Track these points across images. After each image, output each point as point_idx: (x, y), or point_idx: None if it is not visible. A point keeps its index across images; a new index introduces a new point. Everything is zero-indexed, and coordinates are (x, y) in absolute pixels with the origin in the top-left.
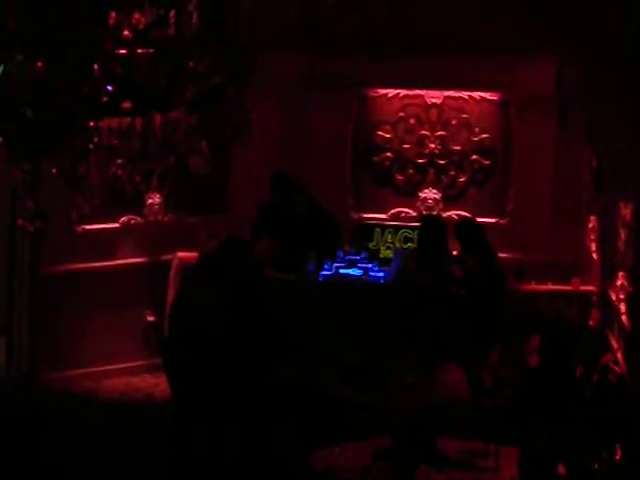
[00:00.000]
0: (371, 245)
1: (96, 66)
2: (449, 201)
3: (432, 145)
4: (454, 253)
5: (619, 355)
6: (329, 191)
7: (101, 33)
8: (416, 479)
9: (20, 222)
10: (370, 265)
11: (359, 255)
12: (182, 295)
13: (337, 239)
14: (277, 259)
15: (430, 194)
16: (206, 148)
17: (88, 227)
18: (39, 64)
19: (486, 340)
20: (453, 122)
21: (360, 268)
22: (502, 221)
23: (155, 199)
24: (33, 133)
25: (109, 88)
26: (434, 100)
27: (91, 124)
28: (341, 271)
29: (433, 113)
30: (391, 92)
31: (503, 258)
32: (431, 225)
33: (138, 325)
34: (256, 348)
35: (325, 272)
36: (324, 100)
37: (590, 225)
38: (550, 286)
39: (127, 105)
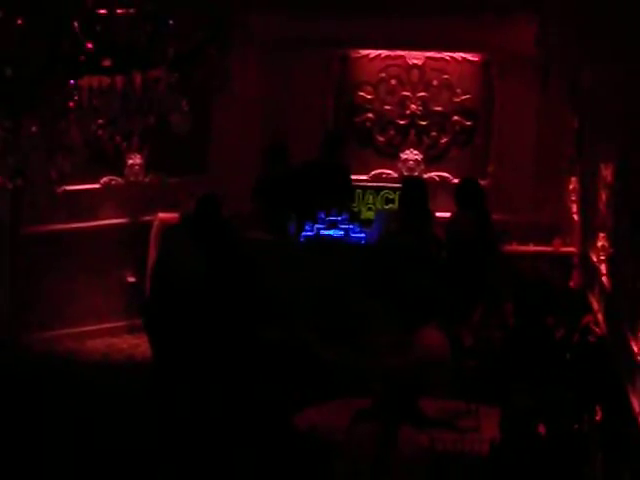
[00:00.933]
0: (352, 206)
1: (76, 24)
2: (430, 162)
3: (413, 106)
4: (447, 214)
5: (599, 316)
6: (310, 151)
7: None
8: (398, 439)
9: (0, 180)
10: (351, 226)
11: (340, 216)
12: (162, 255)
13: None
14: (259, 221)
15: (411, 155)
16: (187, 107)
17: (69, 187)
18: (18, 20)
19: (468, 301)
20: (434, 83)
21: (341, 229)
22: (483, 182)
23: (136, 160)
24: (12, 90)
25: (89, 46)
26: (415, 61)
27: (71, 82)
28: (322, 232)
29: (414, 74)
30: (372, 53)
31: None
32: (412, 186)
33: (119, 286)
34: (237, 308)
35: (306, 233)
36: (305, 60)
37: (571, 186)
38: (531, 247)
39: (107, 63)
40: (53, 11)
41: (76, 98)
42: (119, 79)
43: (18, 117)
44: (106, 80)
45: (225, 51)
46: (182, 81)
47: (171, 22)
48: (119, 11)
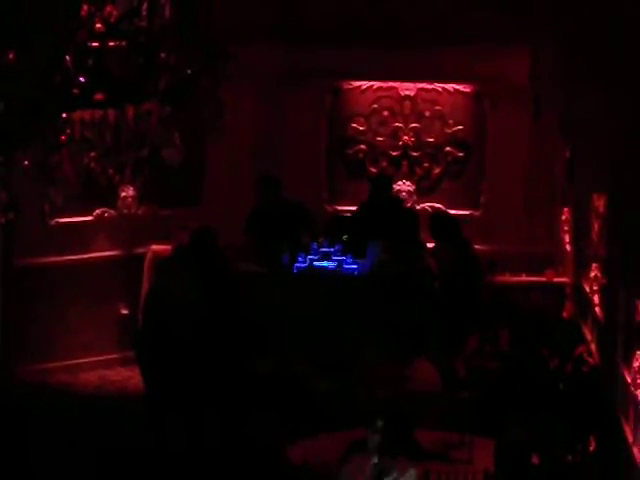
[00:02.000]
0: (345, 237)
1: (68, 57)
2: (423, 193)
3: (406, 137)
4: (429, 245)
5: (593, 346)
6: (303, 183)
7: (73, 24)
8: (392, 471)
9: None
10: (344, 257)
11: (333, 247)
12: (155, 287)
13: (311, 231)
14: (253, 252)
15: (404, 186)
16: (179, 140)
17: (61, 220)
18: (10, 54)
19: (461, 332)
20: (427, 114)
21: (334, 260)
22: (476, 213)
23: (129, 192)
24: (5, 124)
25: (81, 79)
26: (407, 92)
27: (63, 116)
28: (315, 263)
29: (406, 105)
30: (364, 84)
31: (477, 250)
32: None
33: (112, 318)
34: (230, 340)
35: (299, 264)
36: (298, 92)
37: (563, 217)
38: (524, 277)
39: (99, 97)
40: (45, 45)
41: (68, 131)
42: (111, 112)
43: (10, 151)
44: (98, 113)
45: (218, 84)
46: (174, 114)
47: (163, 55)
48: (111, 44)
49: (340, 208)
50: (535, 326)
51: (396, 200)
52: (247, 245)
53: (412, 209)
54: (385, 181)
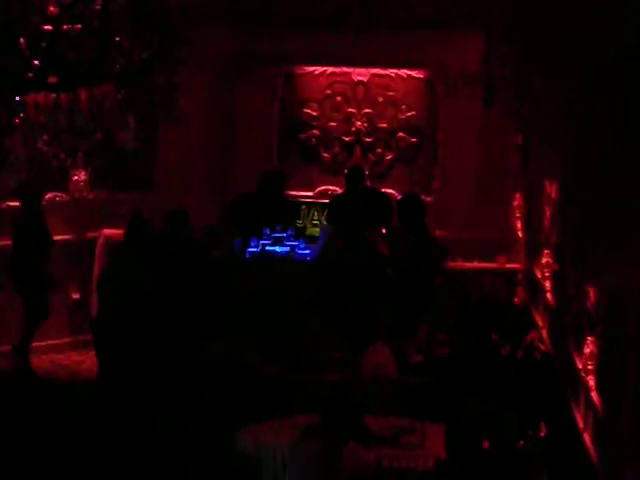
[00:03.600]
0: (297, 222)
1: (22, 40)
2: (376, 179)
3: (359, 123)
4: (383, 230)
5: (544, 332)
6: (256, 168)
7: (27, 7)
8: (343, 456)
9: None
10: (296, 242)
11: (285, 232)
12: (109, 271)
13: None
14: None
15: None
16: (134, 123)
17: (12, 203)
18: None
19: (413, 317)
20: (380, 100)
21: (286, 245)
22: (428, 199)
23: (81, 176)
24: None
25: (35, 63)
26: (361, 78)
27: (17, 99)
28: (267, 248)
29: (360, 91)
30: (318, 69)
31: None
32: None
33: (63, 302)
34: (182, 325)
35: (251, 249)
36: (251, 77)
37: (516, 203)
38: (476, 264)
39: (53, 80)
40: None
41: (22, 115)
42: (64, 95)
43: None
44: (52, 96)
45: (171, 68)
46: (129, 98)
47: (117, 38)
48: (65, 27)
49: (293, 193)
50: (486, 312)
51: (372, 190)
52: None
53: (387, 195)
54: (358, 172)
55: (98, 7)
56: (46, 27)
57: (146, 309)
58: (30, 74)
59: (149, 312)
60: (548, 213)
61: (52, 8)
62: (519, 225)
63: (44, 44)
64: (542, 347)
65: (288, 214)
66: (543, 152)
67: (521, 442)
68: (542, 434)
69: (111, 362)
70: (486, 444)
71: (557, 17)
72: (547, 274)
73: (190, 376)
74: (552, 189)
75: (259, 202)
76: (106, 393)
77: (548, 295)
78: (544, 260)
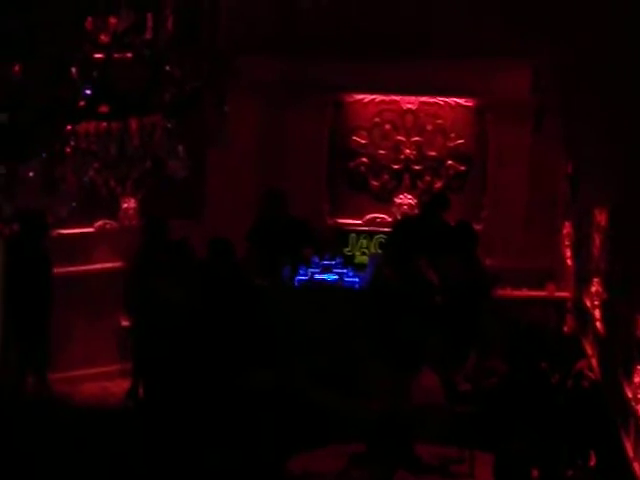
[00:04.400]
0: (346, 250)
1: (74, 69)
2: None
3: (407, 151)
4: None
5: (593, 361)
6: (305, 196)
7: (79, 36)
8: None
9: None
10: (345, 270)
11: (334, 260)
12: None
13: (314, 246)
14: (253, 265)
15: (405, 200)
16: (184, 152)
17: (63, 231)
18: (16, 67)
19: (462, 346)
20: (428, 128)
21: (335, 273)
22: (477, 227)
23: (130, 203)
24: (10, 137)
25: (87, 92)
26: (409, 106)
27: (68, 128)
28: (316, 276)
29: (408, 119)
30: (367, 97)
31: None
32: (403, 229)
33: (113, 329)
34: (231, 353)
35: (300, 277)
36: (301, 105)
37: (565, 231)
38: (525, 292)
39: (104, 109)
40: (52, 56)
41: (73, 143)
42: (115, 124)
43: (14, 163)
44: (103, 125)
45: (222, 97)
46: (179, 126)
47: (168, 67)
48: (116, 56)
49: (341, 221)
50: (534, 340)
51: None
52: (248, 256)
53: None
54: (442, 199)
55: (149, 36)
56: (97, 56)
57: (190, 335)
58: (82, 103)
59: (195, 340)
60: (597, 241)
61: (103, 37)
62: (568, 253)
63: (95, 73)
64: (591, 376)
65: (298, 233)
66: (592, 180)
67: (570, 471)
68: (591, 463)
69: (156, 390)
70: (535, 473)
71: (606, 43)
72: (596, 303)
73: (240, 404)
74: (601, 217)
75: (268, 224)
76: (153, 423)
77: (597, 324)
78: (593, 289)
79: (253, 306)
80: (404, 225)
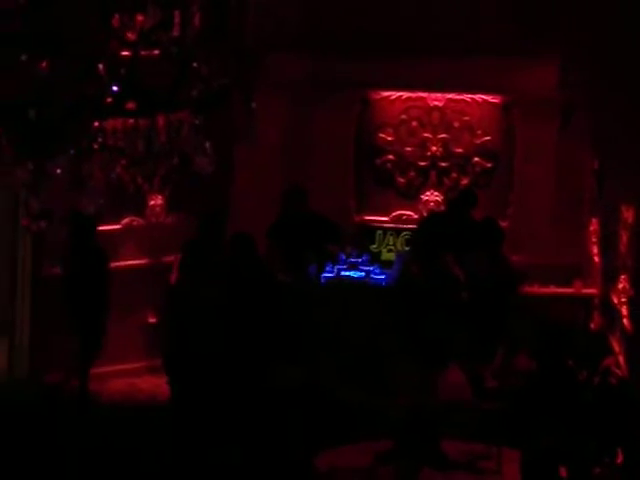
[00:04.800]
0: (373, 247)
1: (101, 66)
2: None
3: (434, 148)
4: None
5: (621, 358)
6: (331, 193)
7: (106, 33)
8: None
9: (25, 222)
10: (372, 267)
11: (361, 257)
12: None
13: (338, 242)
14: (275, 261)
15: (432, 197)
16: (211, 149)
17: None
18: (43, 64)
19: (489, 343)
20: (455, 125)
21: (362, 270)
22: (504, 223)
23: (157, 200)
24: (37, 133)
25: (114, 88)
26: (436, 103)
27: (95, 124)
28: (343, 273)
29: (435, 115)
30: (393, 94)
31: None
32: (429, 226)
33: (140, 326)
34: (259, 350)
35: (327, 274)
36: (327, 102)
37: (592, 228)
38: (552, 289)
39: (131, 106)
40: (79, 53)
41: (100, 140)
42: (142, 121)
43: (42, 159)
44: (130, 122)
45: (249, 93)
46: (206, 123)
47: (195, 64)
48: (143, 53)
49: (368, 218)
50: (561, 337)
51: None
52: (270, 252)
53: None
54: (470, 196)
55: (176, 33)
56: (124, 53)
57: (218, 332)
58: (109, 100)
59: (222, 336)
60: (624, 238)
61: (130, 34)
62: (595, 250)
63: (122, 70)
64: (619, 373)
65: (321, 229)
66: (619, 177)
67: (597, 469)
68: (619, 461)
69: (186, 386)
70: (563, 471)
71: (635, 41)
72: (623, 299)
73: (267, 401)
74: (628, 214)
75: (289, 220)
76: (182, 419)
77: (625, 320)
78: (621, 285)
79: (277, 302)
80: (430, 221)
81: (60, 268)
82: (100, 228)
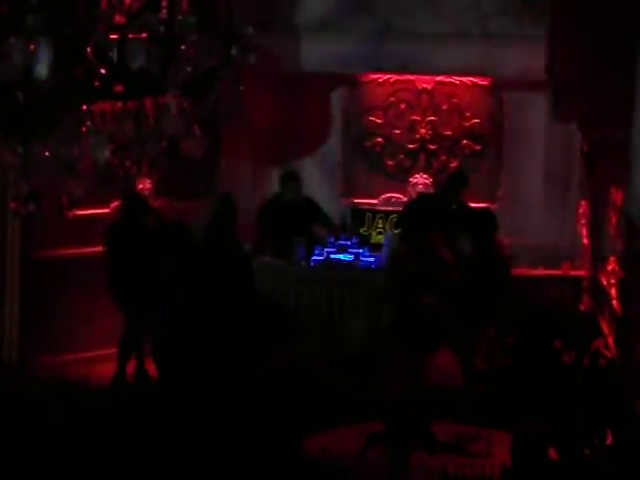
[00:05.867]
0: (362, 230)
1: (89, 49)
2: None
3: (423, 130)
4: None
5: (610, 340)
6: (319, 176)
7: (94, 16)
8: (409, 464)
9: (13, 205)
10: (361, 250)
11: (350, 240)
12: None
13: (325, 224)
14: (267, 245)
15: (421, 179)
16: (199, 131)
17: (79, 212)
18: (31, 46)
19: (478, 325)
20: (444, 107)
21: (351, 253)
22: (493, 206)
23: (146, 184)
24: (26, 116)
25: (102, 71)
26: (425, 85)
27: (84, 108)
28: (332, 256)
29: (424, 98)
30: (381, 77)
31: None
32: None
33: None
34: (249, 334)
35: (316, 257)
36: (315, 85)
37: (581, 210)
38: (541, 271)
39: (119, 89)
40: (66, 36)
41: (88, 123)
42: (130, 104)
43: (30, 143)
44: (118, 105)
45: (237, 75)
46: (194, 105)
47: (183, 47)
48: (131, 36)
49: (357, 201)
50: (550, 319)
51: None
52: (260, 237)
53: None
54: (461, 177)
55: (164, 16)
56: (112, 36)
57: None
58: (97, 83)
59: (209, 319)
60: (613, 220)
61: (118, 17)
62: (584, 232)
63: (111, 53)
64: (608, 354)
65: (308, 211)
66: (608, 159)
67: (587, 450)
68: (608, 442)
69: (174, 369)
70: (552, 452)
71: (624, 19)
72: (613, 281)
73: (257, 383)
74: (617, 196)
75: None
76: (170, 401)
77: (614, 302)
78: (610, 267)
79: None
80: (418, 202)
81: (109, 250)
82: (89, 212)
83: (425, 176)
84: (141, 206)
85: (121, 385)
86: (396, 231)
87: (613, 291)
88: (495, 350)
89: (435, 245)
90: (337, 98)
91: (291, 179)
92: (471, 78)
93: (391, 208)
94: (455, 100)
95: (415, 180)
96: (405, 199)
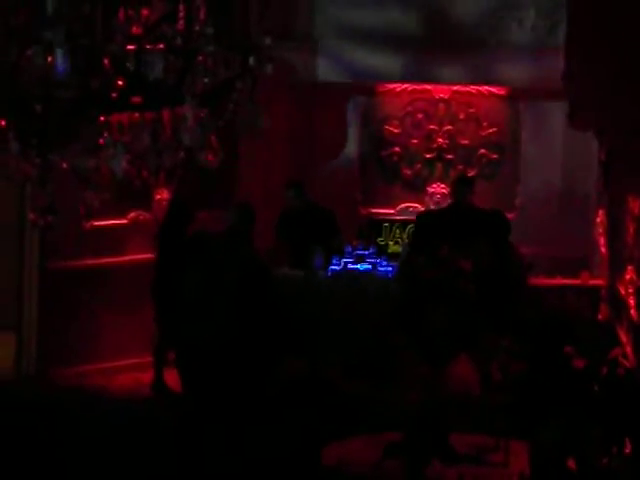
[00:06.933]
0: (379, 240)
1: (106, 61)
2: None
3: (440, 140)
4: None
5: (628, 349)
6: (337, 186)
7: (111, 28)
8: (426, 474)
9: (31, 216)
10: (378, 260)
11: (367, 250)
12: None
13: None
14: (285, 256)
15: (438, 189)
16: (216, 142)
17: (96, 223)
18: (48, 58)
19: (496, 334)
20: (461, 116)
21: (368, 263)
22: (510, 215)
23: (163, 195)
24: (44, 128)
25: (119, 83)
26: (442, 95)
27: (101, 119)
28: (349, 266)
29: (441, 107)
30: (399, 87)
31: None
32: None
33: (146, 321)
34: (266, 343)
35: (333, 267)
36: (333, 94)
37: (598, 219)
38: (559, 280)
39: (137, 100)
40: (83, 48)
41: (106, 135)
42: (148, 115)
43: (48, 154)
44: (135, 116)
45: (254, 86)
46: (211, 116)
47: (200, 57)
48: (148, 47)
49: (374, 211)
50: (568, 328)
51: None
52: (279, 249)
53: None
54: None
55: (181, 27)
56: (130, 47)
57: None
58: (114, 94)
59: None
60: (631, 229)
61: (135, 28)
62: (602, 241)
63: (128, 64)
64: (626, 364)
65: (325, 222)
66: (626, 168)
67: (605, 459)
68: (627, 451)
69: (196, 379)
70: (571, 462)
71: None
72: (631, 290)
73: (274, 393)
74: (635, 205)
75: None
76: (190, 411)
77: (632, 312)
78: (628, 276)
79: (277, 297)
80: (426, 215)
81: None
82: (106, 222)
83: (442, 185)
84: (186, 214)
85: (163, 392)
86: (408, 241)
87: (631, 300)
88: (511, 360)
89: (450, 254)
90: (354, 108)
91: (289, 188)
92: (488, 87)
93: (408, 218)
94: (472, 109)
95: (432, 190)
96: (422, 209)
